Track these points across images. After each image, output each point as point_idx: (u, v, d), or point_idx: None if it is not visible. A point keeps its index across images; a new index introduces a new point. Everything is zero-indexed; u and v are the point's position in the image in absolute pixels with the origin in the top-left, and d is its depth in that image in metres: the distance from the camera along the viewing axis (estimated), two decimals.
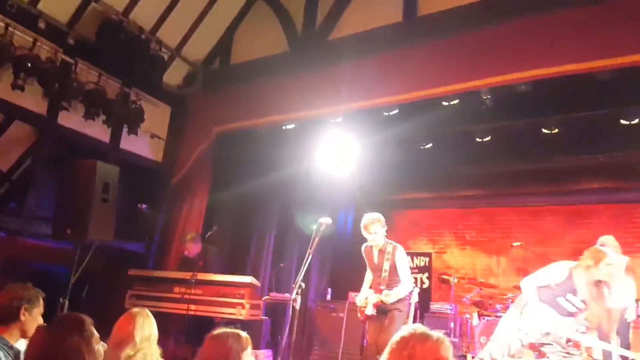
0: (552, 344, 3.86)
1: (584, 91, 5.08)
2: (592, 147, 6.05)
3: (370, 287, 5.03)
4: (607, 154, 6.08)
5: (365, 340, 5.42)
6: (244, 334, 2.26)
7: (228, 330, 2.25)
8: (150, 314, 2.93)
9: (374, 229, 4.78)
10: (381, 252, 4.88)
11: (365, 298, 4.87)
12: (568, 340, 3.89)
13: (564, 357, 3.81)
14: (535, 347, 3.96)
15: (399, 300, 4.73)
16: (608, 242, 6.17)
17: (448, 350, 1.71)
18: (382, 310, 4.74)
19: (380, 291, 4.75)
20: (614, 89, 4.95)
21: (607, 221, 7.79)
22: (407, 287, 4.74)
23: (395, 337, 1.76)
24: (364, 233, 4.84)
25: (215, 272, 5.82)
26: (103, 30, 5.92)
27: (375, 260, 4.92)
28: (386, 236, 4.90)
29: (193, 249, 5.88)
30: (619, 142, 5.83)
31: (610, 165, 6.37)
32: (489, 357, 3.98)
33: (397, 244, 4.95)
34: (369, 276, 5.11)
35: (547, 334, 3.82)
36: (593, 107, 5.20)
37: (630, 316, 5.90)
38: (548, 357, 3.84)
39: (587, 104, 5.19)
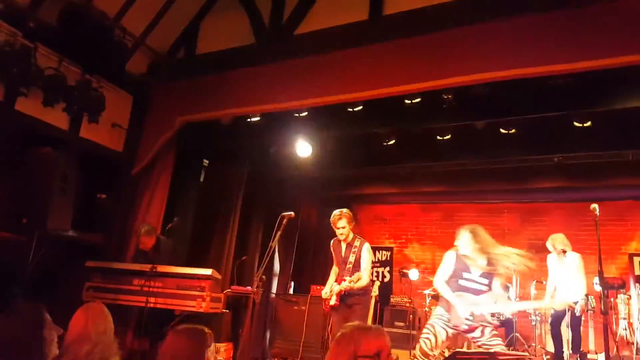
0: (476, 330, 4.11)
1: (540, 94, 5.27)
2: (547, 148, 6.29)
3: (335, 281, 5.20)
4: (561, 155, 6.33)
5: (327, 333, 5.56)
6: (207, 330, 2.27)
7: (192, 326, 2.25)
8: (103, 307, 2.92)
9: (341, 224, 5.04)
10: (349, 245, 5.13)
11: (330, 290, 5.08)
12: (492, 315, 4.24)
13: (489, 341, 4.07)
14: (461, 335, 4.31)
15: (360, 295, 4.97)
16: (557, 240, 6.45)
17: (387, 337, 1.88)
18: (346, 304, 4.96)
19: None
20: (567, 92, 5.15)
21: (560, 219, 8.14)
22: (363, 279, 4.90)
23: (338, 335, 1.89)
24: (334, 227, 5.10)
25: (167, 264, 5.79)
26: (65, 15, 5.72)
27: (343, 253, 5.16)
28: (352, 230, 5.16)
29: (148, 241, 5.80)
30: (572, 143, 6.09)
31: (564, 165, 6.63)
32: (419, 352, 4.18)
33: (365, 240, 5.19)
34: (334, 271, 5.33)
35: (470, 316, 4.05)
36: (548, 110, 5.38)
37: (577, 311, 6.18)
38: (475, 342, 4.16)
39: (543, 107, 5.37)
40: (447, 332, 4.15)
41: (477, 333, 4.07)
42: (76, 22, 5.76)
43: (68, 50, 5.89)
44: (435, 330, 4.16)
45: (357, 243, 5.07)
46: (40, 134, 5.90)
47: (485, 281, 4.22)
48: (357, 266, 5.01)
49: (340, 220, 5.03)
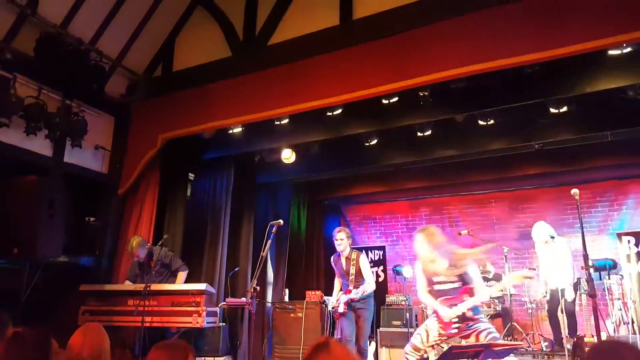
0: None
1: (515, 84, 5.36)
2: (526, 136, 6.35)
3: (340, 291, 5.88)
4: (540, 141, 6.39)
5: (337, 334, 5.82)
6: (187, 343, 2.31)
7: (174, 340, 2.29)
8: (101, 328, 2.94)
9: (340, 236, 5.74)
10: (347, 259, 5.76)
11: (337, 299, 5.75)
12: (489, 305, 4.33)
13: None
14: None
15: (366, 299, 5.63)
16: (540, 228, 6.52)
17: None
18: (353, 308, 5.62)
19: (349, 292, 5.66)
20: (541, 80, 5.25)
21: (546, 204, 8.21)
22: (370, 285, 5.63)
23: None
24: (334, 240, 5.79)
25: (179, 266, 5.86)
26: (41, 44, 5.78)
27: (344, 267, 5.79)
28: (350, 245, 5.82)
29: (141, 252, 5.77)
30: (550, 129, 6.17)
31: (545, 151, 6.69)
32: (410, 347, 4.19)
33: (360, 251, 5.89)
34: (337, 282, 6.01)
35: (455, 319, 4.11)
36: (523, 99, 5.46)
37: (570, 295, 6.24)
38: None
39: (518, 96, 5.46)
40: (438, 331, 4.13)
41: (472, 339, 4.06)
42: (52, 50, 5.82)
43: (46, 78, 5.93)
44: (428, 326, 4.18)
45: (354, 256, 5.73)
46: (25, 162, 5.92)
47: (454, 278, 4.18)
48: (358, 275, 5.68)
49: (340, 233, 5.75)
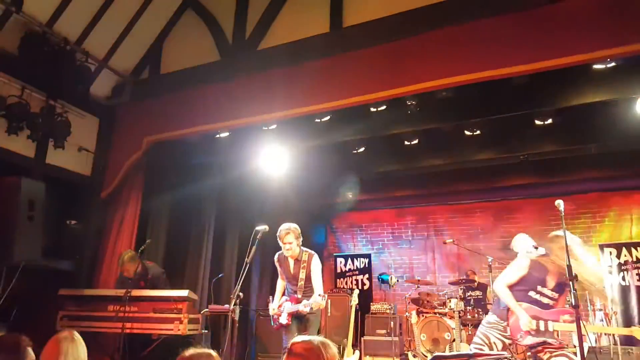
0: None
1: (501, 95, 5.41)
2: (511, 147, 6.45)
3: (283, 295, 5.03)
4: (525, 153, 6.47)
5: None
6: (214, 353, 2.25)
7: (200, 350, 2.22)
8: (77, 337, 2.84)
9: (289, 239, 4.76)
10: (297, 261, 4.85)
11: (279, 306, 4.88)
12: (555, 332, 3.71)
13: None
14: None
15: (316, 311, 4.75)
16: (521, 240, 6.59)
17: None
18: (298, 317, 4.77)
19: (296, 299, 4.80)
20: (527, 92, 5.31)
21: (531, 215, 8.31)
22: (320, 300, 4.61)
23: (301, 349, 1.92)
24: (280, 242, 4.83)
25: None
26: (26, 42, 5.68)
27: (292, 269, 4.89)
28: (301, 245, 4.89)
29: (131, 268, 5.56)
30: (535, 141, 6.26)
31: (530, 162, 6.79)
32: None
33: (312, 252, 4.93)
34: (281, 284, 5.12)
35: (534, 330, 3.70)
36: (509, 110, 5.52)
37: None
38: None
39: (504, 107, 5.52)
40: (503, 343, 3.81)
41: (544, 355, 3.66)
42: (37, 49, 5.72)
43: (30, 77, 5.82)
44: (491, 341, 3.82)
45: (305, 257, 4.81)
46: (5, 162, 5.80)
47: (556, 295, 3.76)
48: (308, 281, 4.80)
49: (288, 236, 4.75)
